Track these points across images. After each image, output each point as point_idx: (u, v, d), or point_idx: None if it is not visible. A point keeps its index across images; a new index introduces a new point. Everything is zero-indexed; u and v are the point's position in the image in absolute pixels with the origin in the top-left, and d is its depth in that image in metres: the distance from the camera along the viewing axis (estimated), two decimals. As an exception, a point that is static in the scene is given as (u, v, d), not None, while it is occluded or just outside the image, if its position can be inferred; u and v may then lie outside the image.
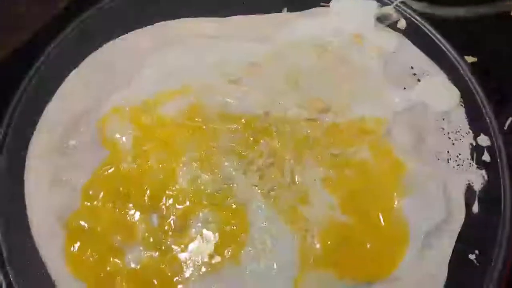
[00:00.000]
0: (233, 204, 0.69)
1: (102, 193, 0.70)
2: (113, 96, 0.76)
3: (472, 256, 0.67)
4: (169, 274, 0.66)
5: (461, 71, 0.79)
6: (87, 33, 0.81)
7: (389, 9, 0.84)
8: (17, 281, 0.66)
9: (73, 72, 0.79)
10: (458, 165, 0.73)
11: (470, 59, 0.80)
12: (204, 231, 0.67)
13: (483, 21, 0.83)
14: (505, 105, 0.77)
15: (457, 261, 0.67)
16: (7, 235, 0.69)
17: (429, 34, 0.82)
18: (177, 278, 0.65)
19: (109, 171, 0.71)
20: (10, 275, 0.66)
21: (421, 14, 0.84)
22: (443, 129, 0.75)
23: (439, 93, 0.77)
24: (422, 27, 0.83)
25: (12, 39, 0.78)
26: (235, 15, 0.84)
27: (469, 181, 0.72)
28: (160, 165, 0.71)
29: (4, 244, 0.68)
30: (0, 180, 0.72)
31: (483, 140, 0.74)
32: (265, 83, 0.77)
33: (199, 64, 0.79)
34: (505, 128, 0.75)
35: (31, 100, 0.76)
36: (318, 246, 0.67)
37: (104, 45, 0.81)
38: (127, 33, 0.82)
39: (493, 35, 0.82)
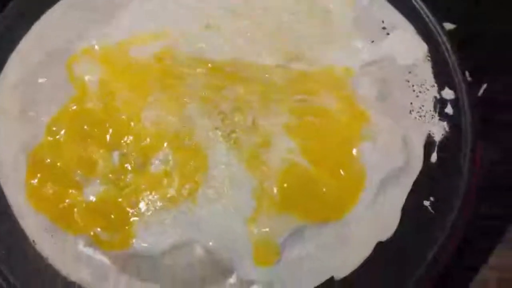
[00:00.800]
0: (193, 145, 0.70)
1: (65, 129, 0.71)
2: (86, 36, 0.77)
3: (427, 203, 0.68)
4: (126, 208, 0.67)
5: (431, 26, 0.78)
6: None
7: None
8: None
9: (49, 10, 0.80)
10: (420, 116, 0.73)
11: (448, 25, 0.81)
12: (163, 168, 0.68)
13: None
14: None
15: (412, 208, 0.67)
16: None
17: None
18: (133, 211, 0.67)
19: (74, 108, 0.72)
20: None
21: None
22: (408, 81, 0.75)
23: (407, 47, 0.77)
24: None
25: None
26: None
27: (430, 131, 0.72)
28: (125, 105, 0.72)
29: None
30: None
31: (448, 94, 0.74)
32: (239, 30, 0.78)
33: (177, 9, 0.80)
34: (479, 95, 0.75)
35: (4, 36, 0.78)
36: (275, 188, 0.67)
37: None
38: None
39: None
